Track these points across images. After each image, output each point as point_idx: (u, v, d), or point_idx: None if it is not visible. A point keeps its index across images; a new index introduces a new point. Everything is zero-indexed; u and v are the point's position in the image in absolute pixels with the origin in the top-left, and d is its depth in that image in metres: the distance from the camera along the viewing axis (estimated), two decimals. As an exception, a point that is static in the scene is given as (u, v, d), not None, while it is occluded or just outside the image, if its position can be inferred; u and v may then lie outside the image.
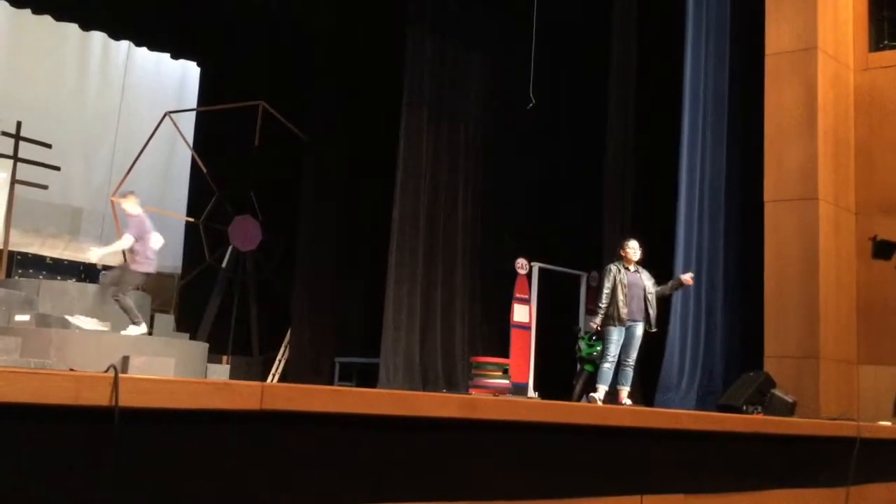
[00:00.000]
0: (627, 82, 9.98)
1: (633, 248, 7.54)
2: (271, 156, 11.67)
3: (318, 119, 11.17)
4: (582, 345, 8.53)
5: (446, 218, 10.67)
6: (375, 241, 10.63)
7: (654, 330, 7.56)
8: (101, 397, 2.60)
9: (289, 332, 11.43)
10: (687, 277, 7.66)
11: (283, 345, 11.54)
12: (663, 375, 9.10)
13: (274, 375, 11.43)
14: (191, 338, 9.91)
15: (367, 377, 10.21)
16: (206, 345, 9.59)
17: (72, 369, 3.26)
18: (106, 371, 3.16)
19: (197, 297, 11.59)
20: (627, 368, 7.47)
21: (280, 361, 11.56)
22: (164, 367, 7.34)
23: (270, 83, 11.44)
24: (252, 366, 11.59)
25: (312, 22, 10.93)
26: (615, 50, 9.97)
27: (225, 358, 10.68)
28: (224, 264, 11.71)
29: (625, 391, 7.48)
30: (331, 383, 10.47)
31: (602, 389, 7.40)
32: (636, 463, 4.22)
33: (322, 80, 11.07)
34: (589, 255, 10.21)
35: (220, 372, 9.14)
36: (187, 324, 10.64)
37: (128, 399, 2.64)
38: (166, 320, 9.49)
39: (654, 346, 8.34)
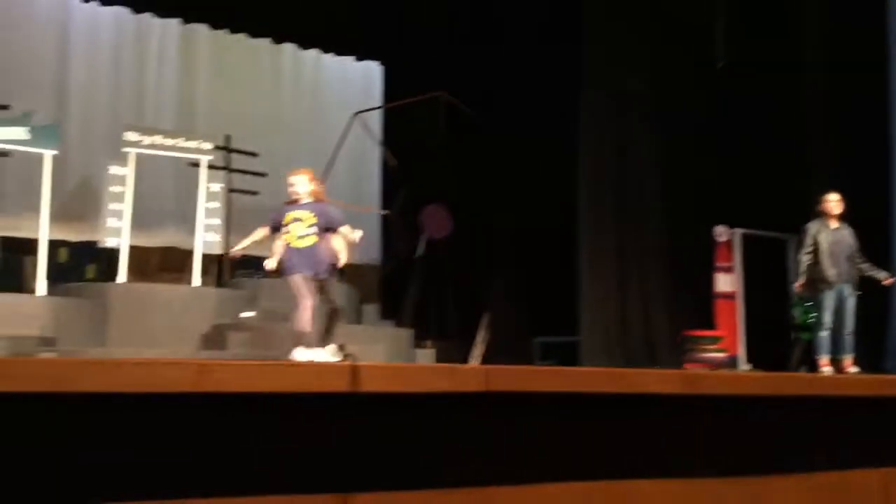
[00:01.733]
0: (826, 30, 9.27)
1: (835, 202, 7.03)
2: (455, 144, 11.93)
3: (497, 99, 11.29)
4: (797, 312, 8.09)
5: (637, 189, 10.43)
6: (565, 218, 10.58)
7: (888, 280, 6.99)
8: (342, 384, 2.81)
9: (486, 314, 11.66)
10: (884, 276, 7.05)
11: (482, 327, 11.79)
12: (891, 340, 8.43)
13: (475, 358, 11.70)
14: (395, 325, 10.38)
15: (567, 356, 10.22)
16: (411, 331, 10.01)
17: (311, 360, 3.53)
18: (343, 360, 3.39)
19: (397, 286, 12.07)
20: (846, 336, 6.98)
21: (480, 343, 11.81)
22: (374, 354, 7.73)
23: (450, 74, 11.68)
24: (453, 350, 11.94)
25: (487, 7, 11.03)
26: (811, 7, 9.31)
27: (429, 343, 11.06)
28: (419, 253, 12.12)
29: (848, 359, 7.00)
30: (531, 363, 10.59)
31: (823, 359, 6.98)
32: (876, 434, 3.96)
33: (498, 62, 11.17)
34: (796, 217, 9.61)
35: (427, 356, 9.51)
36: (391, 312, 11.12)
37: (366, 385, 2.83)
38: (371, 310, 9.98)
39: (877, 309, 7.74)
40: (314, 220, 5.42)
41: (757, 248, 10.15)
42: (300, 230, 5.40)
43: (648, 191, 10.45)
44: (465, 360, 11.27)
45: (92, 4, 10.67)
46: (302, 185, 5.48)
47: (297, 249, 5.37)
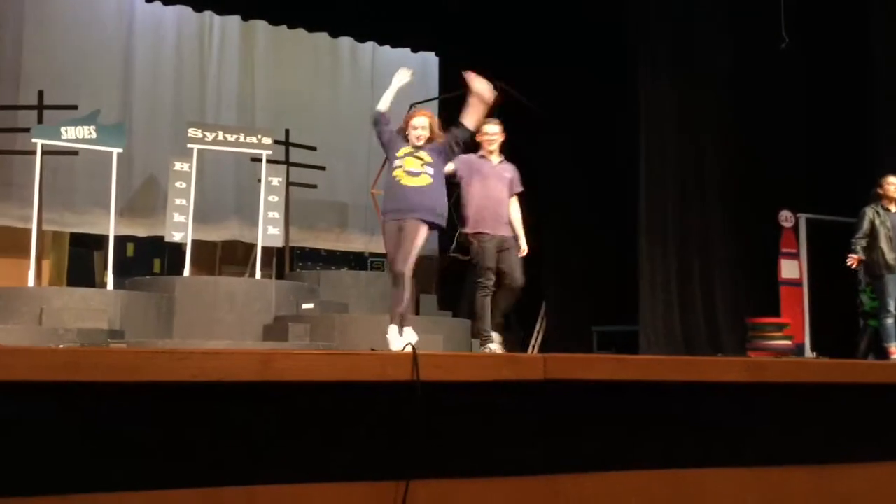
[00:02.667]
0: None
1: (893, 183, 6.84)
2: (513, 133, 11.88)
3: (555, 92, 11.19)
4: (864, 298, 7.87)
5: (697, 173, 10.23)
6: (624, 204, 10.45)
7: None
8: (404, 373, 2.85)
9: (543, 303, 11.61)
10: None
11: (540, 317, 11.74)
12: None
13: (533, 347, 11.68)
14: (453, 316, 10.42)
15: (627, 345, 10.12)
16: (469, 321, 10.03)
17: (372, 349, 3.59)
18: (404, 349, 3.44)
19: (456, 277, 12.10)
20: None
21: (538, 333, 11.77)
22: (434, 344, 7.78)
23: (506, 64, 11.63)
24: (510, 340, 11.91)
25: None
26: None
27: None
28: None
29: (894, 347, 6.81)
30: (590, 352, 10.51)
31: (892, 347, 6.80)
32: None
33: (553, 54, 11.09)
34: (862, 201, 9.34)
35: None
36: (449, 303, 11.17)
37: (427, 374, 2.87)
38: (430, 300, 10.03)
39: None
40: (430, 160, 4.90)
41: (823, 233, 9.88)
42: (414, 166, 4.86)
43: (711, 174, 10.24)
44: (524, 350, 11.26)
45: (155, 4, 10.92)
46: (426, 129, 4.96)
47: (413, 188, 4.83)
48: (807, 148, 9.95)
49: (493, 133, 5.75)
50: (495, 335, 5.48)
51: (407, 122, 5.00)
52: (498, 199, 5.71)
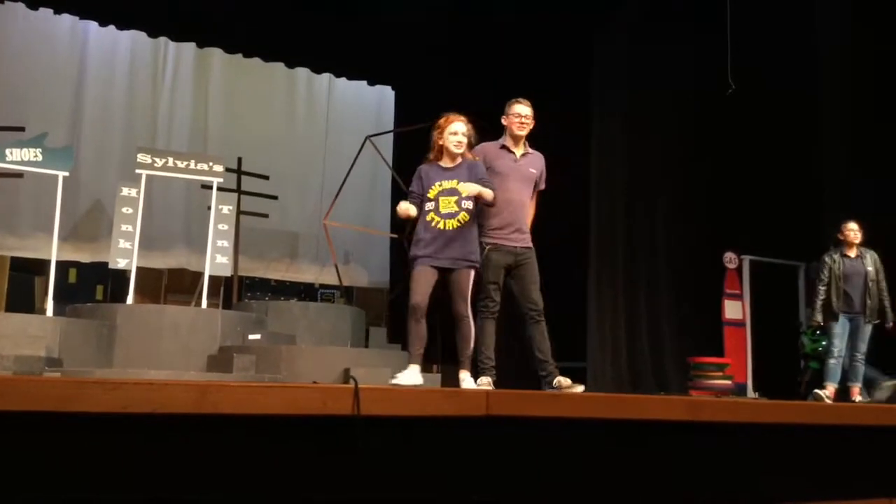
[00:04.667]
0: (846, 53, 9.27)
1: (853, 230, 7.04)
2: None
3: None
4: (805, 340, 8.06)
5: (646, 213, 10.43)
6: (574, 241, 10.57)
7: (889, 324, 6.99)
8: (344, 407, 2.82)
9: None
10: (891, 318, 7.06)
11: (490, 352, 11.73)
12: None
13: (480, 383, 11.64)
14: (402, 349, 10.37)
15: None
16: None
17: (315, 382, 3.54)
18: (346, 383, 3.40)
19: (405, 309, 12.07)
20: (857, 364, 6.97)
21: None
22: (381, 377, 7.71)
23: (460, 99, 11.74)
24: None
25: (493, 34, 11.09)
26: (824, 28, 9.34)
27: (435, 367, 11.05)
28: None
29: (856, 388, 6.98)
30: (538, 388, 10.52)
31: (830, 387, 6.95)
32: (884, 463, 3.93)
33: (507, 90, 11.22)
34: (806, 244, 9.59)
35: (433, 380, 9.44)
36: (398, 336, 11.11)
37: (368, 408, 2.84)
38: (379, 333, 9.97)
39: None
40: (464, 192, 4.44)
41: (766, 275, 10.11)
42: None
43: (658, 215, 10.45)
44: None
45: (110, 28, 10.81)
46: (466, 135, 4.54)
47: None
48: (752, 191, 10.21)
49: (526, 115, 4.84)
50: (485, 378, 4.81)
51: (442, 130, 4.59)
52: (519, 203, 4.85)
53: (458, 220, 4.50)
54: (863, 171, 9.07)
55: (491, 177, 4.73)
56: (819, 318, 6.95)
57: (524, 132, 4.84)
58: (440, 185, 4.52)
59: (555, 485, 3.38)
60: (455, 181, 4.51)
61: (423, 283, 4.57)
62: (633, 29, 10.40)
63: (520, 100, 4.92)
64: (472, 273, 4.60)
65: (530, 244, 4.93)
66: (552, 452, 3.38)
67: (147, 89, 11.41)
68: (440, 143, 4.59)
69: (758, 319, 9.93)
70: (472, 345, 4.64)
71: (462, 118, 4.66)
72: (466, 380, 4.58)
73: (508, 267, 4.83)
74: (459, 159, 4.59)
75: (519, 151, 4.90)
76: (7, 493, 2.46)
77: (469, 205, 4.53)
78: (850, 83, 9.23)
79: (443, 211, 4.49)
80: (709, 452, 3.69)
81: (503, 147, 4.89)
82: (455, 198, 4.49)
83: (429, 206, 4.53)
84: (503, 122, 4.90)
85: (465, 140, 4.55)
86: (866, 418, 3.97)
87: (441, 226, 4.49)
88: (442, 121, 4.64)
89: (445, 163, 4.60)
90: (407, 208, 4.49)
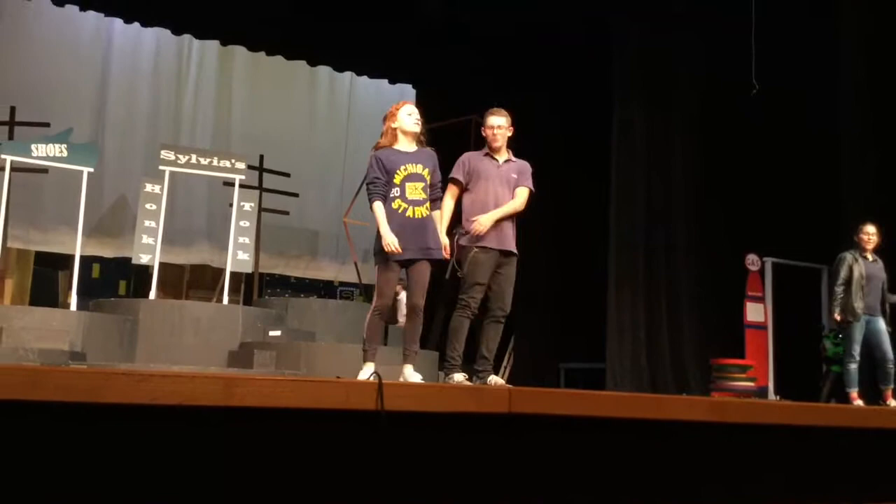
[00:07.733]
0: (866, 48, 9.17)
1: (871, 234, 6.96)
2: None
3: (527, 127, 11.28)
4: (827, 344, 7.97)
5: (666, 214, 10.37)
6: (594, 242, 10.54)
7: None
8: (368, 402, 2.83)
9: (512, 338, 11.60)
10: None
11: (508, 352, 11.73)
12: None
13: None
14: (421, 347, 10.37)
15: (593, 382, 10.14)
16: (437, 353, 9.99)
17: (338, 377, 3.55)
18: (369, 378, 3.41)
19: (425, 307, 12.06)
20: (888, 366, 6.83)
21: (505, 368, 11.76)
22: (399, 374, 7.73)
23: (480, 96, 11.73)
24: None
25: (512, 30, 11.05)
26: (845, 22, 9.26)
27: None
28: (447, 276, 12.12)
29: (889, 391, 6.86)
30: (557, 388, 10.50)
31: (854, 393, 6.86)
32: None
33: (527, 86, 11.22)
34: (829, 247, 9.49)
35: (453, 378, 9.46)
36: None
37: (391, 403, 2.85)
38: (398, 330, 9.98)
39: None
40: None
41: (789, 278, 10.03)
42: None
43: (679, 216, 10.38)
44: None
45: (134, 25, 10.90)
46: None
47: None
48: (774, 193, 10.13)
49: (500, 126, 4.89)
50: (459, 375, 4.65)
51: (394, 114, 4.42)
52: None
53: (427, 209, 4.37)
54: (886, 174, 8.98)
55: (476, 180, 4.84)
56: (837, 315, 6.86)
57: (498, 143, 4.90)
58: (405, 170, 4.30)
59: (576, 483, 3.38)
60: (420, 166, 4.33)
61: (393, 281, 4.42)
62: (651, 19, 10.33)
63: (494, 110, 4.96)
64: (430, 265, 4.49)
65: (514, 248, 5.02)
66: (574, 451, 3.37)
67: (171, 86, 11.50)
68: (393, 126, 4.39)
69: (780, 322, 9.84)
70: (419, 338, 4.54)
71: (504, 112, 4.81)
72: (411, 374, 4.30)
73: (493, 268, 4.91)
74: (416, 146, 4.40)
75: (501, 158, 4.99)
76: (36, 481, 2.49)
77: (438, 193, 4.48)
78: (874, 84, 9.13)
79: (409, 197, 4.29)
80: (731, 453, 3.67)
81: (487, 154, 4.98)
82: (422, 184, 4.32)
83: (394, 192, 4.28)
84: (483, 133, 4.99)
85: (420, 119, 4.38)
86: (892, 422, 3.93)
87: (410, 213, 4.29)
88: (393, 108, 4.53)
89: (404, 146, 4.37)
90: (392, 242, 4.25)
